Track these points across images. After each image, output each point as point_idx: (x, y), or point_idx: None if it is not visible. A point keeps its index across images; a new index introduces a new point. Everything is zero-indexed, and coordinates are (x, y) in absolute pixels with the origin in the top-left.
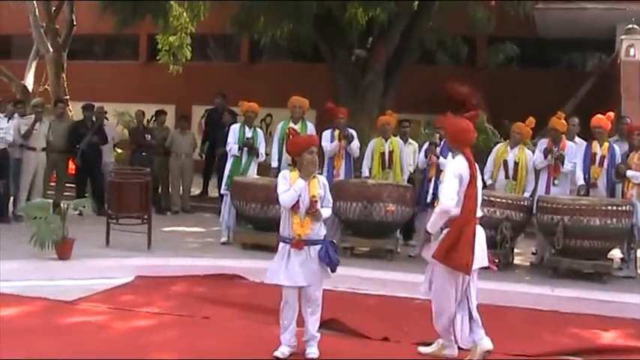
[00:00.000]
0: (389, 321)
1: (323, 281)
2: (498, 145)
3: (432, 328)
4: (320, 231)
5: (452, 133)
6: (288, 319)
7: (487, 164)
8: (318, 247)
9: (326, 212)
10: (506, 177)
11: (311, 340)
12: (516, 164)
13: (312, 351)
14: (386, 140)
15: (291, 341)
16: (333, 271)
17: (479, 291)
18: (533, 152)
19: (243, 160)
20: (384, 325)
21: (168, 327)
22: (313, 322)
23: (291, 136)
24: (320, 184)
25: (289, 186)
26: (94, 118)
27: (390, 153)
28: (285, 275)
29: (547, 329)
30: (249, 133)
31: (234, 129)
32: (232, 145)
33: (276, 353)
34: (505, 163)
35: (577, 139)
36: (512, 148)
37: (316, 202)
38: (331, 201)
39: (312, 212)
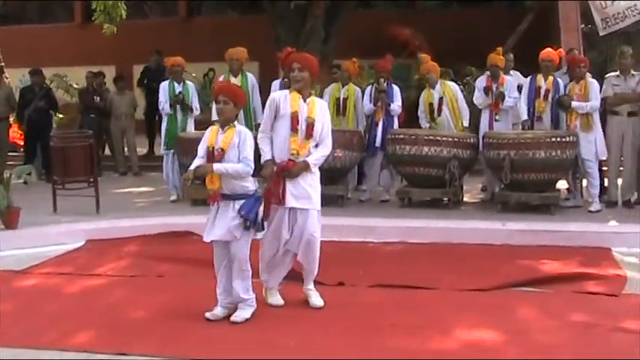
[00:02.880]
0: (343, 266)
1: (246, 238)
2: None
3: (387, 270)
4: (237, 186)
5: None
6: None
7: (419, 110)
8: (241, 201)
9: (232, 167)
10: (439, 115)
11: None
12: (441, 99)
13: (239, 314)
14: (343, 86)
15: (223, 301)
16: (256, 229)
17: (432, 230)
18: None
19: (179, 118)
20: (338, 271)
21: (122, 287)
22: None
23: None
24: (235, 136)
25: (204, 145)
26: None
27: (345, 100)
28: (207, 230)
29: (499, 263)
30: (178, 89)
31: (164, 86)
32: (164, 103)
33: (207, 314)
34: (431, 104)
35: (512, 72)
36: (433, 88)
37: (218, 154)
38: (248, 157)
39: (201, 166)
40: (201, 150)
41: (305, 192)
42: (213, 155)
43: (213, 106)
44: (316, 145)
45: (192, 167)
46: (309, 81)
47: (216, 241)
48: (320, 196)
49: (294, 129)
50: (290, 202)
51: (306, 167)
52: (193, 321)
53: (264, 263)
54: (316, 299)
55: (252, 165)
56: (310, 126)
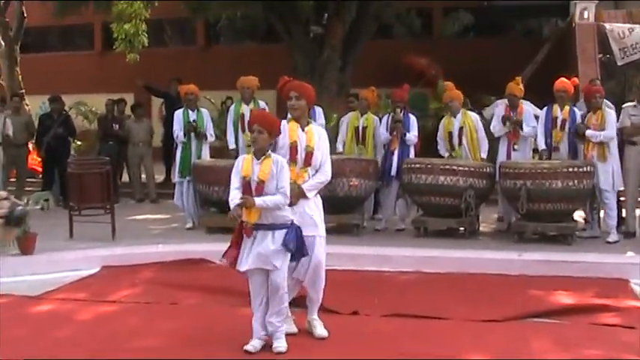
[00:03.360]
0: (358, 295)
1: (285, 268)
2: (443, 118)
3: (402, 300)
4: (278, 216)
5: None
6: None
7: (438, 138)
8: (280, 231)
9: (272, 200)
10: (459, 144)
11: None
12: (462, 129)
13: (280, 345)
14: (362, 115)
15: (259, 333)
16: (293, 258)
17: (447, 259)
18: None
19: (193, 145)
20: (353, 300)
21: (135, 314)
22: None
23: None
24: (273, 166)
25: (238, 175)
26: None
27: (364, 129)
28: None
29: (515, 293)
30: (192, 117)
31: (178, 115)
32: (178, 131)
33: (246, 347)
34: (450, 134)
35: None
36: (454, 116)
37: (258, 186)
38: (285, 187)
39: (244, 199)
40: (237, 181)
41: (310, 219)
42: (250, 186)
43: (229, 134)
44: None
45: (232, 201)
46: (306, 109)
47: (252, 271)
48: (323, 223)
49: (292, 159)
50: None
51: (300, 194)
52: (206, 348)
53: None
54: (321, 330)
55: (289, 194)
56: (309, 155)
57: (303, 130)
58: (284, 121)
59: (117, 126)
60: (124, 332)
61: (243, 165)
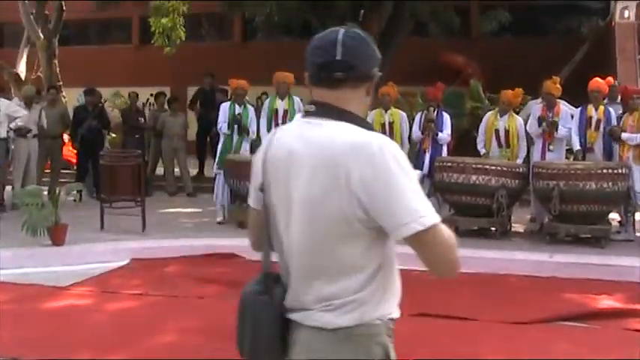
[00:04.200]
0: None
1: None
2: (488, 113)
3: (429, 299)
4: None
5: None
6: None
7: (479, 134)
8: None
9: None
10: (499, 145)
11: None
12: (507, 132)
13: None
14: (385, 111)
15: None
16: None
17: (478, 260)
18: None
19: (235, 139)
20: None
21: (162, 308)
22: None
23: None
24: None
25: None
26: (103, 101)
27: (391, 124)
28: None
29: (546, 295)
30: (238, 111)
31: (224, 107)
32: (222, 123)
33: None
34: (497, 131)
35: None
36: (501, 116)
37: None
38: None
39: None
40: None
41: None
42: None
43: (262, 129)
44: None
45: None
46: None
47: None
48: None
49: None
50: None
51: None
52: (231, 343)
53: None
54: None
55: None
56: None
57: None
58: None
59: (142, 119)
60: (149, 325)
61: None
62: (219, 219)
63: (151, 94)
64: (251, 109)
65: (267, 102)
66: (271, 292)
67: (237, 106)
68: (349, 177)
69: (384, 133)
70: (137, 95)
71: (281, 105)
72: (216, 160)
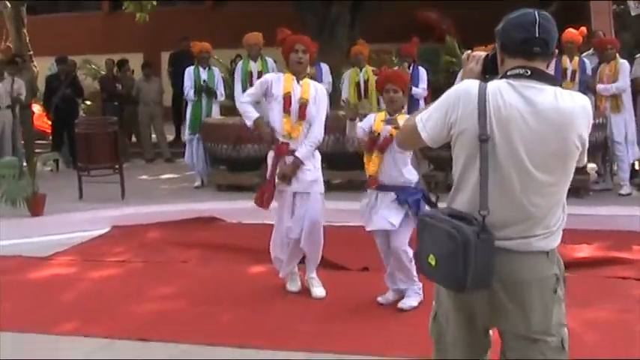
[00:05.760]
0: (368, 251)
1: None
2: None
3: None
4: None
5: None
6: None
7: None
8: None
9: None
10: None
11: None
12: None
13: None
14: (360, 70)
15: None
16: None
17: None
18: None
19: (204, 103)
20: (363, 256)
21: (145, 274)
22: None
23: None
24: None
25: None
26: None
27: (366, 82)
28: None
29: None
30: (204, 75)
31: (189, 72)
32: (189, 89)
33: (379, 299)
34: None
35: None
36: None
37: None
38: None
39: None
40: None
41: (303, 175)
42: (376, 142)
43: (237, 92)
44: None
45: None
46: (308, 64)
47: (375, 231)
48: (322, 180)
49: (286, 110)
50: (291, 186)
51: (297, 166)
52: (215, 306)
53: (274, 251)
54: (318, 290)
55: None
56: (303, 107)
57: (298, 82)
58: (280, 74)
59: (120, 86)
60: (133, 292)
61: (376, 122)
62: (197, 183)
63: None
64: (217, 71)
65: (240, 64)
66: (488, 230)
67: (201, 69)
68: None
69: (359, 91)
70: (113, 62)
71: (254, 67)
72: (187, 125)
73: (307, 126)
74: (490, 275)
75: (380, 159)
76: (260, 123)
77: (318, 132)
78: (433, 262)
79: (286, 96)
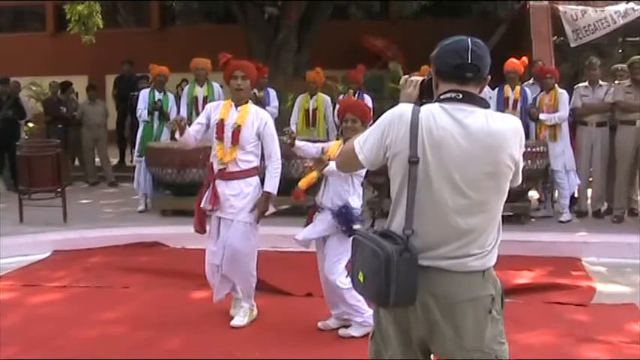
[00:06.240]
0: (312, 277)
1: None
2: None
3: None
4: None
5: None
6: None
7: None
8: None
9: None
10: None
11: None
12: (315, 110)
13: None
14: (311, 97)
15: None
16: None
17: None
18: None
19: (155, 126)
20: (307, 281)
21: (87, 299)
22: None
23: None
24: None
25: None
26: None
27: (315, 110)
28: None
29: None
30: (159, 97)
31: (144, 94)
32: (142, 110)
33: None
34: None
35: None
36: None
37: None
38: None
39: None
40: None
41: (227, 201)
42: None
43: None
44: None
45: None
46: (249, 90)
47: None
48: (252, 207)
49: (218, 137)
50: (216, 211)
51: (269, 199)
52: (158, 332)
53: (207, 276)
54: (237, 319)
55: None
56: (236, 132)
57: (236, 108)
58: (221, 101)
59: (64, 108)
60: (74, 318)
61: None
62: (140, 208)
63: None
64: (171, 96)
65: (186, 89)
66: (411, 249)
67: (157, 92)
68: None
69: (308, 118)
70: (58, 84)
71: (200, 92)
72: (137, 147)
73: (241, 151)
74: (413, 292)
75: (314, 177)
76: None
77: (276, 158)
78: (362, 279)
79: (219, 123)
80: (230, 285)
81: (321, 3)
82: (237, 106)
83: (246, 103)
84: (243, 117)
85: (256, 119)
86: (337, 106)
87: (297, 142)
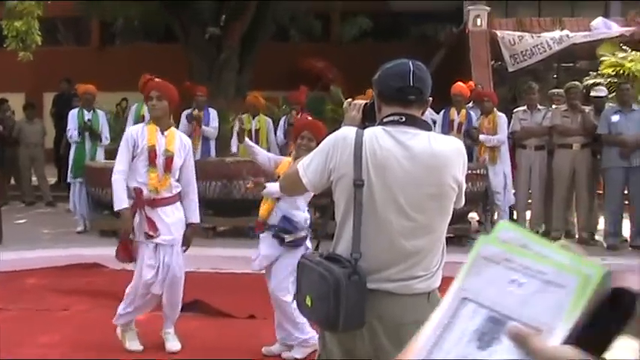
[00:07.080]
0: (255, 299)
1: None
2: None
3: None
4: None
5: None
6: None
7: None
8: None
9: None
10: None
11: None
12: (257, 131)
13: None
14: (253, 117)
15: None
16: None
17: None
18: None
19: (88, 146)
20: (249, 303)
21: (24, 322)
22: None
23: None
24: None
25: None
26: None
27: (257, 131)
28: None
29: None
30: (88, 117)
31: (73, 114)
32: (72, 131)
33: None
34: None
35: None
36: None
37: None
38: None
39: None
40: None
41: (167, 227)
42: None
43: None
44: (178, 180)
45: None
46: (167, 111)
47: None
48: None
49: (152, 163)
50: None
51: (195, 231)
52: (97, 354)
53: (128, 299)
54: (173, 344)
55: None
56: (169, 160)
57: (162, 133)
58: (142, 125)
59: (0, 127)
60: (10, 341)
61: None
62: (79, 228)
63: None
64: (101, 114)
65: (133, 108)
66: (359, 272)
67: (85, 111)
68: None
69: (250, 139)
70: None
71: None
72: (70, 168)
73: (174, 179)
74: (362, 316)
75: (273, 203)
76: (127, 216)
77: (194, 187)
78: (309, 303)
79: (151, 149)
80: (151, 307)
81: (263, 24)
82: (162, 131)
83: (169, 127)
84: (171, 143)
85: (182, 147)
86: (281, 126)
87: (248, 141)
